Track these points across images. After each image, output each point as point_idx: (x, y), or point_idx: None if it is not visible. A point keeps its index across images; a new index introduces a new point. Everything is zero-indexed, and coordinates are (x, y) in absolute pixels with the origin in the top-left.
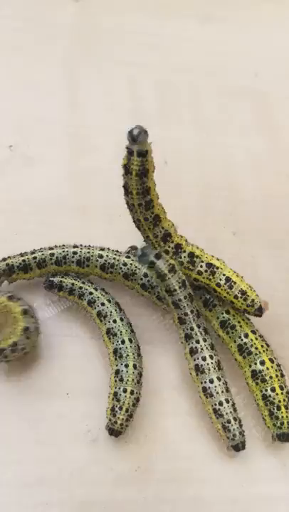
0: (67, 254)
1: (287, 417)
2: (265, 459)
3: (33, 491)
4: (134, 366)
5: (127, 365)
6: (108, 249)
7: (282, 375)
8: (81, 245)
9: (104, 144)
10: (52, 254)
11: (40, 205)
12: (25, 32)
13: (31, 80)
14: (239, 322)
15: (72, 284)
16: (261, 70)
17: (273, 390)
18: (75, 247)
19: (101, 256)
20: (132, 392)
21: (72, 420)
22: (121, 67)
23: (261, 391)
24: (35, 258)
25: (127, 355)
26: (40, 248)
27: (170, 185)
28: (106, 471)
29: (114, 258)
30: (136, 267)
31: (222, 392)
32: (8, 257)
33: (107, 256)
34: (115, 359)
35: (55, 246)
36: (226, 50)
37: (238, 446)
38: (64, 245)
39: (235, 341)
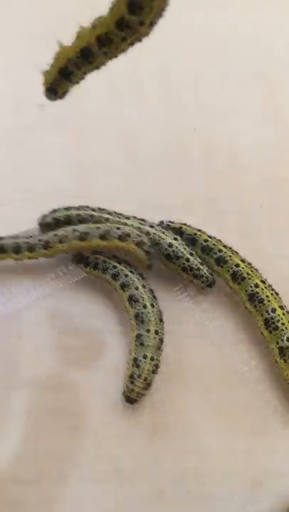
0: (101, 220)
1: None
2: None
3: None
4: (156, 332)
5: (148, 330)
6: (134, 217)
7: None
8: (115, 212)
9: (107, 131)
10: (92, 216)
11: (41, 193)
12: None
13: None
14: (267, 296)
15: (96, 258)
16: (270, 56)
17: None
18: (109, 213)
19: (126, 224)
20: (152, 359)
21: (91, 392)
22: (124, 54)
23: None
24: (78, 215)
25: (149, 320)
26: (85, 206)
27: (176, 173)
28: (122, 436)
29: (138, 228)
30: (159, 237)
31: None
32: (57, 209)
33: (132, 225)
34: (136, 324)
35: (98, 209)
36: (233, 35)
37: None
38: (103, 210)
39: (262, 315)
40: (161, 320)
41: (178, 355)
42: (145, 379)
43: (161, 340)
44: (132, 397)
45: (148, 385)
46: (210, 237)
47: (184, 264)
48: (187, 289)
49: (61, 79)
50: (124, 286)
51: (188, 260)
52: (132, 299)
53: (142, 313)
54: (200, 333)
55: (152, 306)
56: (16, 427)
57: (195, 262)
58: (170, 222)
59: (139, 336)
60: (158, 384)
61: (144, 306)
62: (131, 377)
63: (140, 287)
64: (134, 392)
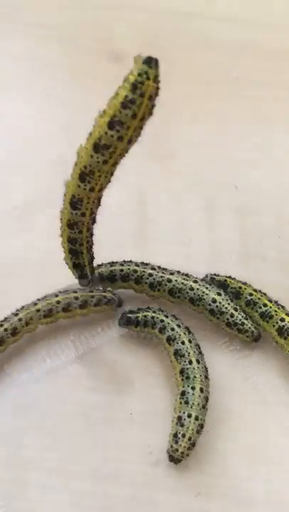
0: (144, 275)
1: None
2: None
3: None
4: (201, 390)
5: (193, 388)
6: (178, 272)
7: None
8: (159, 267)
9: None
10: (134, 271)
11: None
12: None
13: None
14: None
15: (145, 316)
16: None
17: None
18: (152, 268)
19: (170, 280)
20: (196, 418)
21: (136, 441)
22: None
23: None
24: (121, 271)
25: (194, 377)
26: (129, 261)
27: (242, 210)
28: (166, 495)
29: (182, 283)
30: (203, 292)
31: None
32: (101, 264)
33: (176, 281)
34: (182, 380)
35: (141, 263)
36: None
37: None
38: (147, 265)
39: None
40: (206, 377)
41: (226, 412)
42: (190, 438)
43: (207, 399)
44: (175, 457)
45: (192, 444)
46: (255, 290)
47: (227, 319)
48: (233, 342)
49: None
50: (170, 340)
51: (232, 315)
52: (178, 354)
53: (188, 369)
54: (250, 388)
55: (198, 362)
56: None
57: (239, 317)
58: (215, 275)
59: (183, 393)
60: (203, 440)
61: (190, 362)
62: (175, 436)
63: (186, 342)
64: (178, 451)
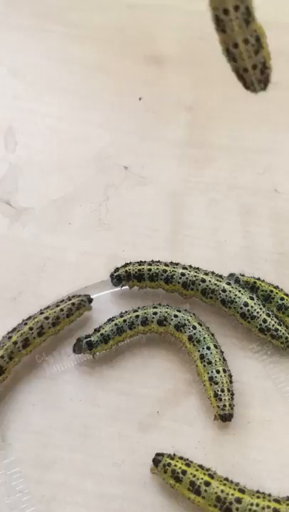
0: (175, 274)
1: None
2: None
3: None
4: (215, 346)
5: (208, 348)
6: (212, 273)
7: None
8: (190, 266)
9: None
10: (164, 271)
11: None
12: None
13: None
14: None
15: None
16: None
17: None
18: (184, 268)
19: (204, 280)
20: (224, 371)
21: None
22: None
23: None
24: (150, 270)
25: (204, 338)
26: (157, 261)
27: (278, 216)
28: None
29: (215, 284)
30: (235, 295)
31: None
32: (130, 263)
33: (209, 281)
34: (193, 345)
35: (170, 263)
36: None
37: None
38: (177, 264)
39: None
40: (213, 335)
41: (254, 419)
42: (228, 390)
43: (222, 353)
44: (227, 413)
45: (232, 394)
46: (287, 295)
47: (260, 324)
48: (264, 347)
49: None
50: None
51: (265, 321)
52: (179, 326)
53: (195, 334)
54: (279, 395)
55: (200, 324)
56: None
57: (272, 323)
58: (241, 275)
59: (202, 356)
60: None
61: (194, 327)
62: (215, 395)
63: (197, 326)
64: (226, 406)
